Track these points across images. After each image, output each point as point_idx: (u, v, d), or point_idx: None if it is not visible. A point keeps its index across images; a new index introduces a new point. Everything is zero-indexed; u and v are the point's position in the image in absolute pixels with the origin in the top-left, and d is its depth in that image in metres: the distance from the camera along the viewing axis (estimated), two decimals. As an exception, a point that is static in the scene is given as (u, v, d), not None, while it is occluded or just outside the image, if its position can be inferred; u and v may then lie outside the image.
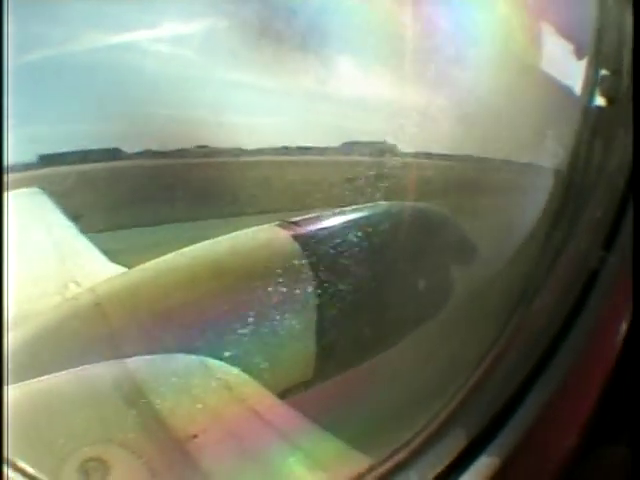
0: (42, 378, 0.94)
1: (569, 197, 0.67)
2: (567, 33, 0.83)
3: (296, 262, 1.09)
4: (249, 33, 1.08)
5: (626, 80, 0.66)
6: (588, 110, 0.70)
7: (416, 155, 1.04)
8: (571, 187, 0.67)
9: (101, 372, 0.99)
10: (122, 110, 1.14)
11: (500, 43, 0.94)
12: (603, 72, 0.69)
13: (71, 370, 0.97)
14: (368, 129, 1.10)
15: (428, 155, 1.07)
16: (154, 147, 1.19)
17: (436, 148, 1.06)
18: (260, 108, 1.17)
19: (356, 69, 1.11)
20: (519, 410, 0.60)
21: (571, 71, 0.77)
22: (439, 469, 0.62)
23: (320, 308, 1.08)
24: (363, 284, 1.08)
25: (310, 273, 1.08)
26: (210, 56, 1.13)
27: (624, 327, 0.59)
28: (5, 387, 0.66)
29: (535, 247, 0.69)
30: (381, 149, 1.06)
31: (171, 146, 1.20)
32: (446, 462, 0.62)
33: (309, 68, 1.08)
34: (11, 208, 0.83)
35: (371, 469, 0.65)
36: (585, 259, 0.61)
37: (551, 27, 0.86)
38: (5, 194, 0.81)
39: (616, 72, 0.68)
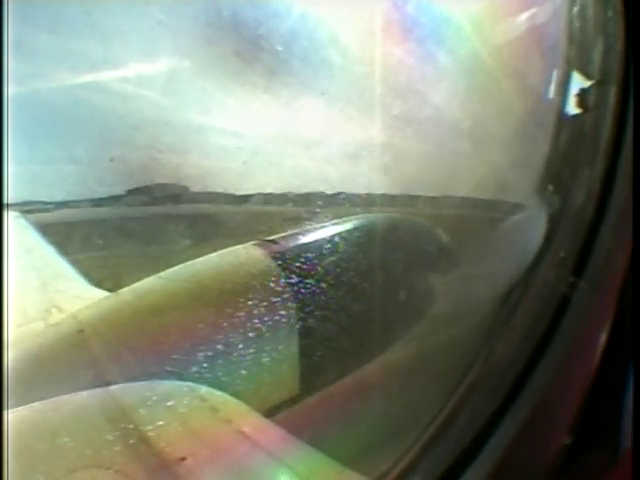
0: (29, 406, 0.92)
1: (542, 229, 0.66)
2: (542, 44, 0.82)
3: (275, 280, 1.07)
4: (215, 74, 1.05)
5: (602, 88, 0.66)
6: (562, 123, 0.69)
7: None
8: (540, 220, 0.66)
9: (88, 399, 0.96)
10: (88, 152, 1.10)
11: (470, 78, 0.93)
12: (580, 81, 0.68)
13: (58, 398, 0.94)
14: (329, 172, 1.08)
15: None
16: (120, 190, 1.16)
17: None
18: (223, 151, 1.14)
19: (322, 110, 1.08)
20: (498, 429, 0.59)
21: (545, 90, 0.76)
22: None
23: (300, 323, 1.05)
24: (343, 297, 1.06)
25: (289, 290, 1.06)
26: (174, 97, 1.10)
27: (601, 343, 0.58)
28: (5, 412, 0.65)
29: (506, 274, 0.68)
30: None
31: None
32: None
33: (274, 109, 1.06)
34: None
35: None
36: (554, 285, 0.61)
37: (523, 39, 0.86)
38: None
39: (593, 81, 0.67)
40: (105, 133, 1.09)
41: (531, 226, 0.68)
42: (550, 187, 0.68)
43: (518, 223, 0.72)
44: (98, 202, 1.18)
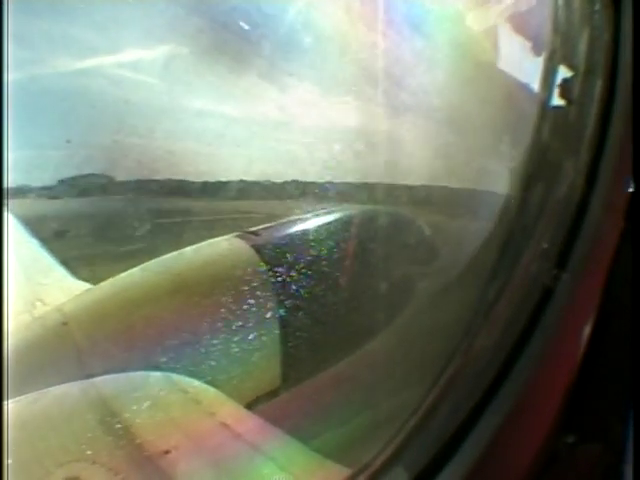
0: (14, 399, 0.90)
1: (519, 219, 0.65)
2: (525, 34, 0.80)
3: (256, 271, 1.05)
4: (210, 60, 1.03)
5: (587, 80, 0.65)
6: (546, 114, 0.68)
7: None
8: (521, 211, 0.65)
9: (72, 392, 0.95)
10: (85, 137, 1.08)
11: (462, 66, 0.91)
12: (564, 72, 0.67)
13: (42, 391, 0.93)
14: (326, 157, 1.06)
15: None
16: (118, 176, 1.14)
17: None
18: (221, 137, 1.12)
19: (315, 95, 1.06)
20: (479, 422, 0.58)
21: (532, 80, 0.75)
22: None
23: (282, 315, 1.04)
24: (325, 289, 1.05)
25: (271, 282, 1.04)
26: (171, 82, 1.08)
27: (585, 336, 0.57)
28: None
29: (487, 265, 0.67)
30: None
31: (134, 175, 1.15)
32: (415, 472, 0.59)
33: (270, 95, 1.04)
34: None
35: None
36: (537, 278, 0.59)
37: (509, 29, 0.84)
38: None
39: (578, 72, 0.66)
40: (102, 119, 1.07)
41: (512, 217, 0.66)
42: (533, 178, 0.66)
43: (499, 213, 0.70)
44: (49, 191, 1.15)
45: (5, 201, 0.80)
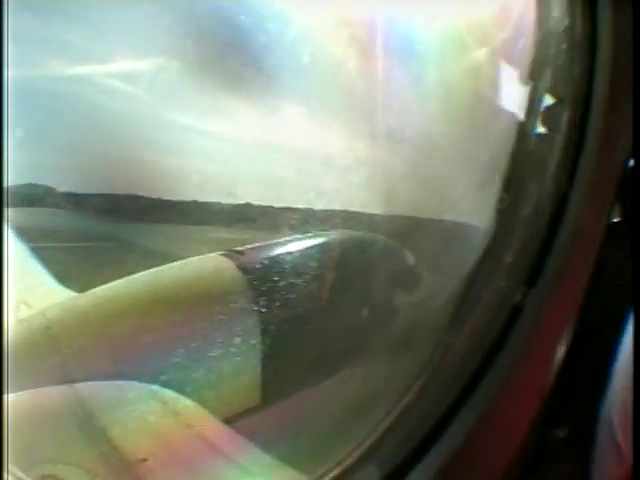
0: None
1: (490, 235, 0.66)
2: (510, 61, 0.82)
3: (240, 290, 1.06)
4: (200, 75, 1.04)
5: (569, 108, 0.66)
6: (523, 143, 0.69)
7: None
8: (492, 228, 0.66)
9: (52, 395, 0.95)
10: (71, 146, 1.08)
11: (450, 97, 0.93)
12: (546, 100, 0.68)
13: (22, 392, 0.92)
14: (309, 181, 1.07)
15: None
16: (101, 188, 1.14)
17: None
18: (205, 154, 1.13)
19: (303, 118, 1.07)
20: (445, 433, 0.58)
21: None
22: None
23: (264, 335, 1.04)
24: (307, 312, 1.05)
25: (254, 301, 1.05)
26: (160, 96, 1.08)
27: (557, 356, 0.58)
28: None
29: (457, 286, 0.68)
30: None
31: (114, 189, 1.15)
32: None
33: (258, 116, 1.05)
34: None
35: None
36: (507, 296, 0.60)
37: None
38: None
39: (560, 100, 0.67)
40: (90, 128, 1.07)
41: (485, 240, 0.67)
42: (504, 193, 0.67)
43: (473, 239, 0.71)
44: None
45: (5, 203, 0.80)
